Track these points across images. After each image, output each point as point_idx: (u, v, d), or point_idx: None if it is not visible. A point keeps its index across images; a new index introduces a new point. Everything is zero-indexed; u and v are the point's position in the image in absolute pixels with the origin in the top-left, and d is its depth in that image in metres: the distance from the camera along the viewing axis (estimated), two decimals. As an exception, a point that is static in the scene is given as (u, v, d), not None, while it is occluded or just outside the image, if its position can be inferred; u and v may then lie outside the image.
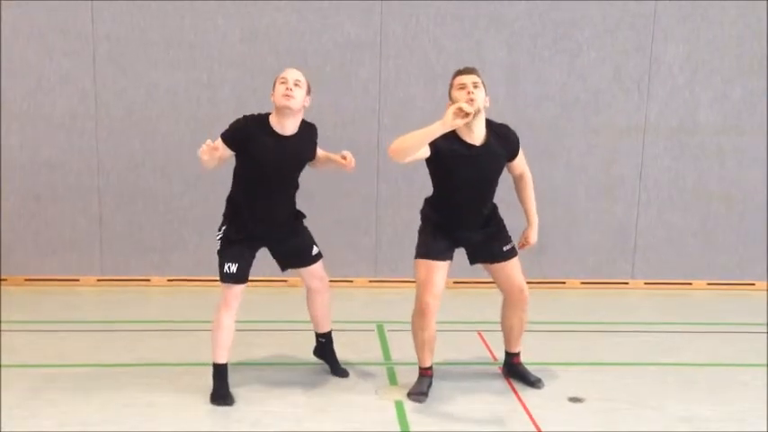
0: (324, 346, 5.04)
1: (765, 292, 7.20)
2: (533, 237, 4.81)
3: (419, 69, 6.92)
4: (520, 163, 4.73)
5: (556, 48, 6.96)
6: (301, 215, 4.79)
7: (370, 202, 7.08)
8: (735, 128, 7.15)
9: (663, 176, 7.21)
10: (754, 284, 7.34)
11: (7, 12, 6.62)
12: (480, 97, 4.40)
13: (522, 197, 4.82)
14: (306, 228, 4.82)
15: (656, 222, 7.28)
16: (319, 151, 4.73)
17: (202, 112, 6.87)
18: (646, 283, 7.35)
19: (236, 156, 4.51)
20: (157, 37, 6.76)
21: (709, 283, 7.36)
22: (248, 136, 4.40)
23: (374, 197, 7.08)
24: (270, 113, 4.49)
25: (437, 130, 4.18)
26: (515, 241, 4.81)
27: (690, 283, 7.36)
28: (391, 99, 6.94)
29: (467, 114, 4.14)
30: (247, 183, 4.53)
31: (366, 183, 7.00)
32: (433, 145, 4.34)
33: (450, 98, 4.46)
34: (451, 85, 4.48)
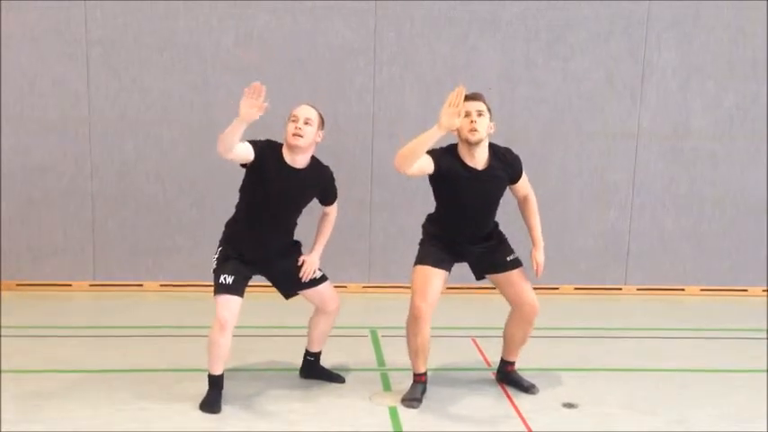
0: (312, 365, 5.04)
1: (758, 298, 7.23)
2: (540, 256, 4.80)
3: (413, 73, 6.92)
4: (523, 185, 4.76)
5: (549, 52, 6.97)
6: (298, 244, 4.81)
7: (364, 207, 7.07)
8: (727, 133, 7.17)
9: (656, 181, 7.23)
10: (746, 290, 7.36)
11: (1, 15, 6.60)
12: (484, 125, 4.44)
13: (526, 219, 4.85)
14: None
15: (650, 228, 7.29)
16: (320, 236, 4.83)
17: (196, 116, 6.86)
18: (639, 289, 7.36)
19: (246, 173, 4.52)
20: (151, 40, 6.75)
21: (702, 289, 7.37)
22: (265, 155, 4.44)
23: (368, 202, 7.07)
24: (282, 143, 4.53)
25: (434, 133, 4.22)
26: (526, 266, 4.82)
27: (683, 289, 7.38)
28: (385, 103, 6.94)
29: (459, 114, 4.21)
30: (250, 204, 4.57)
31: (360, 188, 6.99)
32: (437, 163, 4.41)
33: None
34: None
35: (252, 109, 4.09)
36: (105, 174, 6.90)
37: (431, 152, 4.41)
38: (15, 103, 6.74)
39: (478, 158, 4.52)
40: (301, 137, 4.43)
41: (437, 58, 6.91)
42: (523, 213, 4.85)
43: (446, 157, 4.45)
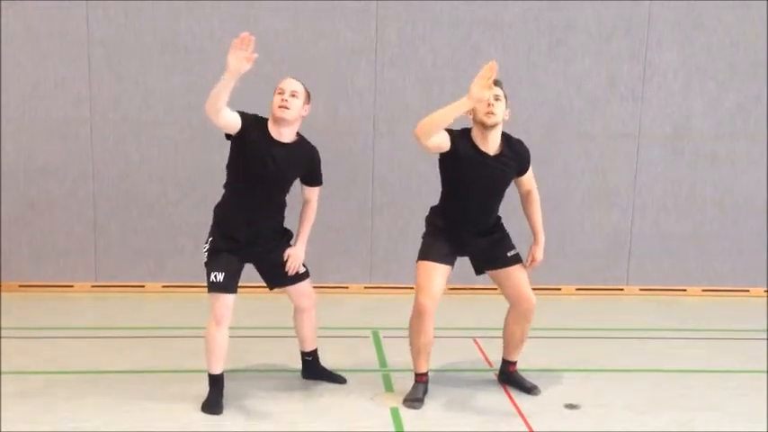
0: (312, 365, 5.03)
1: (759, 299, 7.23)
2: (540, 253, 4.83)
3: (415, 75, 6.93)
4: (528, 179, 4.79)
5: (551, 54, 6.97)
6: (289, 234, 4.80)
7: (366, 208, 7.07)
8: (729, 134, 7.17)
9: (657, 183, 7.23)
10: (748, 291, 7.36)
11: (1, 15, 6.61)
12: (500, 110, 4.48)
13: (528, 214, 4.87)
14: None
15: (651, 229, 7.29)
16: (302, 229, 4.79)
17: (198, 118, 6.82)
18: (641, 290, 7.36)
19: (232, 146, 4.49)
20: (153, 41, 6.75)
21: (703, 290, 7.37)
22: (251, 127, 4.42)
23: (369, 203, 7.07)
24: (268, 118, 4.51)
25: (462, 105, 4.24)
26: (523, 258, 4.83)
27: (684, 290, 7.37)
28: (387, 105, 6.94)
29: (490, 87, 4.20)
30: (237, 180, 4.54)
31: (361, 189, 7.00)
32: (453, 142, 4.43)
33: None
34: None
35: (241, 61, 4.01)
36: (107, 175, 6.90)
37: (448, 131, 4.44)
38: (17, 104, 6.75)
39: (491, 143, 4.53)
40: (288, 108, 4.40)
41: (438, 60, 6.91)
42: (526, 209, 4.87)
43: (461, 138, 4.47)
